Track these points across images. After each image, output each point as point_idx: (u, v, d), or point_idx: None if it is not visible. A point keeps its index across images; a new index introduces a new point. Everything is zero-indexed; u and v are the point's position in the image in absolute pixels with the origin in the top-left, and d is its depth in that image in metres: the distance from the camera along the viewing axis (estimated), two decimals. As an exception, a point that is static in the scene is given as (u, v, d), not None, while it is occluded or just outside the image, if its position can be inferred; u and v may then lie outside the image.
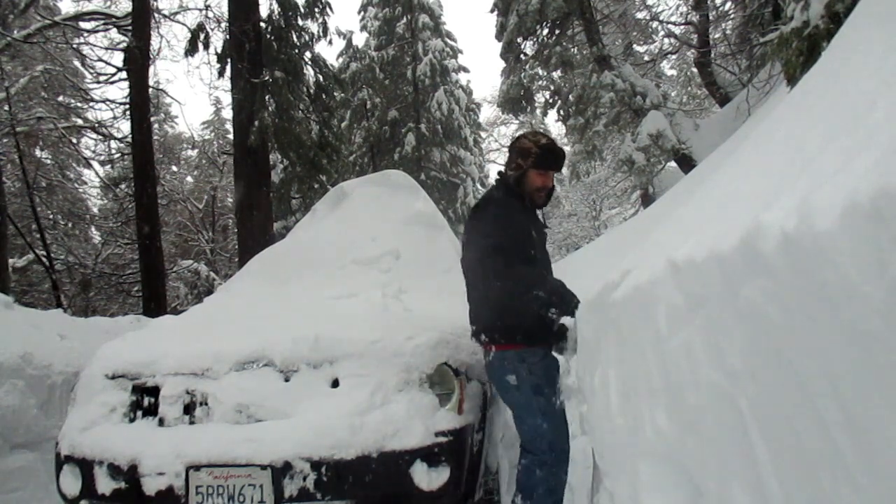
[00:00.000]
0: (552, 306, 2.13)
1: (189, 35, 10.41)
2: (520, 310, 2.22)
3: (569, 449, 2.30)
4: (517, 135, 2.56)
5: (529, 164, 2.37)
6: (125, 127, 13.31)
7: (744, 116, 6.90)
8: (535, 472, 2.25)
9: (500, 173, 2.50)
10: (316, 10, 10.70)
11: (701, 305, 0.99)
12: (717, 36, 10.53)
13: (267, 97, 9.75)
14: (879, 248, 0.59)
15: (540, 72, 11.89)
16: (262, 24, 10.05)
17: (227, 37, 10.05)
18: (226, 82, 10.38)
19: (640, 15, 12.18)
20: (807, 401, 0.72)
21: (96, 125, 13.90)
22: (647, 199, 10.92)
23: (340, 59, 19.06)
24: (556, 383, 2.33)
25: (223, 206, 20.27)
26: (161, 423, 2.39)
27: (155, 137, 13.59)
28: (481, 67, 55.57)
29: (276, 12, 10.34)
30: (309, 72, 10.73)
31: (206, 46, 10.40)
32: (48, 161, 16.11)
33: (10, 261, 11.71)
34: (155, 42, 11.52)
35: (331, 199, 4.76)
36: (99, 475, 2.31)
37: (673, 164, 9.40)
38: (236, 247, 12.38)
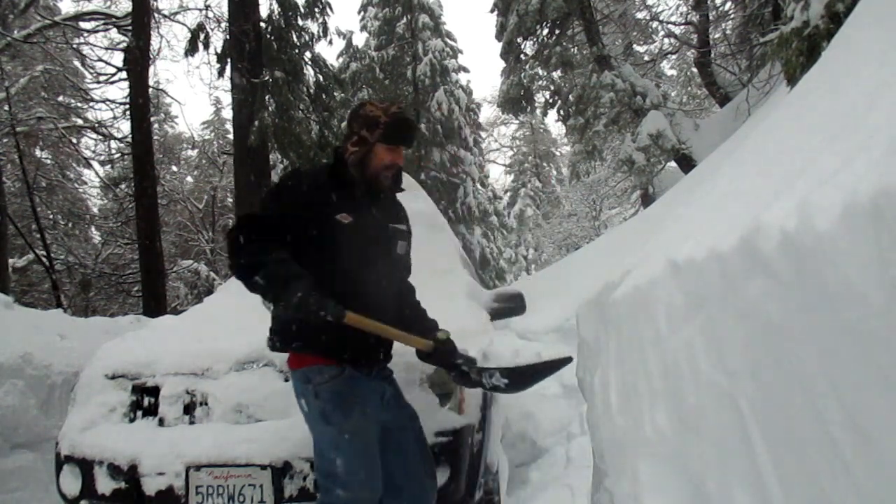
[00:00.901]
0: (269, 295, 1.80)
1: (189, 35, 10.41)
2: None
3: (373, 495, 1.87)
4: (358, 102, 2.12)
5: (377, 136, 1.96)
6: (125, 127, 13.32)
7: (744, 116, 6.90)
8: None
9: (337, 148, 2.08)
10: (316, 10, 10.70)
11: (701, 305, 0.99)
12: (717, 36, 10.54)
13: (267, 97, 9.74)
14: (879, 248, 0.59)
15: (540, 72, 11.90)
16: (262, 24, 10.05)
17: (227, 37, 10.05)
18: (226, 82, 10.39)
19: (640, 15, 12.19)
20: (807, 401, 0.72)
21: (96, 125, 13.91)
22: (647, 199, 10.92)
23: (340, 59, 19.05)
24: (355, 407, 1.90)
25: (223, 206, 20.27)
26: (161, 423, 2.39)
27: (155, 137, 13.59)
28: (481, 67, 55.64)
29: (276, 12, 10.33)
30: (309, 72, 10.72)
31: (206, 46, 10.41)
32: (48, 161, 16.11)
33: (10, 261, 11.72)
34: (155, 42, 11.54)
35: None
36: (99, 475, 2.32)
37: (673, 164, 9.40)
38: (236, 247, 12.34)
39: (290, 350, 1.99)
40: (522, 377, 2.12)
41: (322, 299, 1.72)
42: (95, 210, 19.52)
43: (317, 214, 1.90)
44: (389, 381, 2.09)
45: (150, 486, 2.22)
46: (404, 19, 19.47)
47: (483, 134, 25.46)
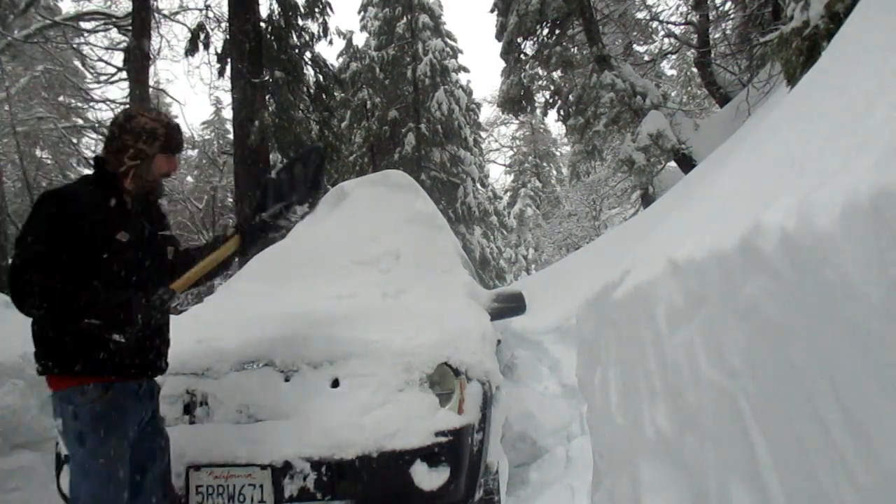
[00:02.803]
0: (113, 330, 1.74)
1: (189, 35, 10.42)
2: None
3: None
4: (124, 113, 1.99)
5: (157, 147, 1.93)
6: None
7: (744, 116, 6.90)
8: None
9: (99, 159, 1.97)
10: (316, 10, 10.70)
11: (701, 305, 0.99)
12: (717, 36, 10.53)
13: (267, 97, 9.75)
14: (879, 248, 0.59)
15: (540, 72, 11.89)
16: (262, 24, 10.05)
17: (227, 37, 10.06)
18: (226, 82, 10.40)
19: (640, 15, 12.19)
20: (807, 400, 0.72)
21: (96, 125, 13.92)
22: (647, 199, 10.91)
23: (340, 59, 19.05)
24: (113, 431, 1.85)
25: (223, 206, 20.26)
26: (161, 422, 2.39)
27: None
28: (481, 67, 55.57)
29: (276, 12, 10.34)
30: (309, 72, 10.73)
31: (206, 46, 10.41)
32: (48, 161, 16.11)
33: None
34: (155, 42, 11.53)
35: (331, 199, 4.76)
36: (99, 475, 2.31)
37: (673, 164, 9.40)
38: (236, 247, 12.36)
39: (68, 373, 1.84)
40: (298, 183, 2.32)
41: (155, 297, 1.81)
42: (95, 210, 19.49)
43: (95, 235, 1.83)
44: (153, 398, 2.05)
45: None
46: (404, 19, 19.46)
47: (483, 134, 25.45)
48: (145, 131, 1.93)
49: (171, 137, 1.98)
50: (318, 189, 2.40)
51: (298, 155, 2.48)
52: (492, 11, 11.54)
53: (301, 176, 2.38)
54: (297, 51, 10.46)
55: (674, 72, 17.14)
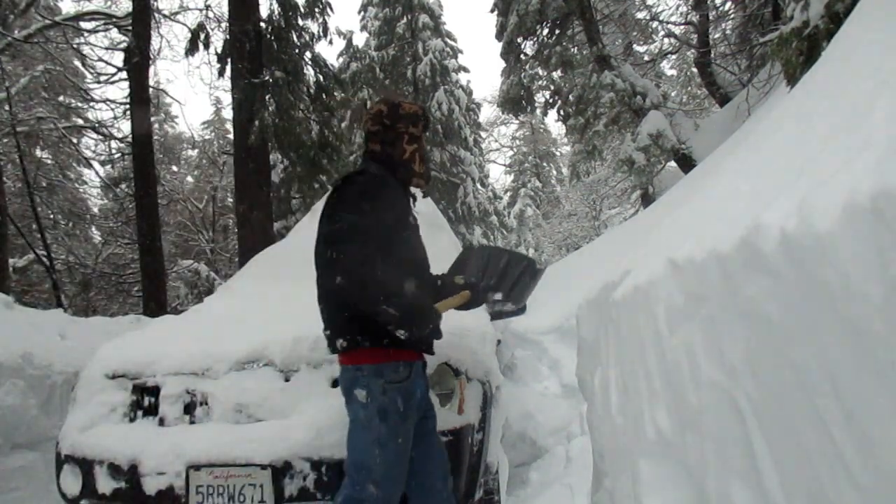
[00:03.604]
0: (402, 327, 1.77)
1: (189, 35, 10.41)
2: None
3: (398, 494, 1.89)
4: (387, 103, 2.04)
5: (422, 129, 2.01)
6: (125, 127, 13.33)
7: (744, 116, 6.90)
8: None
9: (370, 152, 2.04)
10: (316, 10, 10.69)
11: (701, 305, 0.99)
12: (717, 36, 10.53)
13: (267, 97, 9.74)
14: (879, 248, 0.59)
15: (540, 72, 11.89)
16: (262, 24, 10.04)
17: (228, 37, 10.04)
18: (226, 82, 10.38)
19: (640, 15, 12.18)
20: (807, 399, 0.72)
21: (96, 125, 13.91)
22: (647, 199, 10.91)
23: (340, 59, 19.03)
24: (408, 417, 1.90)
25: (223, 206, 20.26)
26: (161, 422, 2.39)
27: (155, 137, 13.59)
28: (481, 67, 55.56)
29: (276, 12, 10.33)
30: (309, 72, 10.72)
31: (207, 46, 10.40)
32: (48, 161, 16.10)
33: (11, 261, 11.71)
34: (155, 42, 11.55)
35: (331, 199, 4.75)
36: (99, 475, 2.32)
37: (673, 164, 9.40)
38: (236, 247, 12.38)
39: (379, 346, 1.87)
40: (513, 289, 2.39)
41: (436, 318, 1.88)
42: (96, 210, 19.52)
43: (402, 218, 1.96)
44: (424, 376, 2.07)
45: (151, 485, 2.22)
46: (404, 19, 19.47)
47: (483, 134, 25.45)
48: (412, 116, 2.01)
49: (427, 117, 2.07)
50: (524, 300, 2.51)
51: (521, 256, 2.60)
52: (492, 11, 11.54)
53: (515, 280, 2.45)
54: (297, 51, 10.45)
55: (674, 72, 17.14)
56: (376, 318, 1.77)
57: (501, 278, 2.46)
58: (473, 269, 2.45)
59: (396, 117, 2.00)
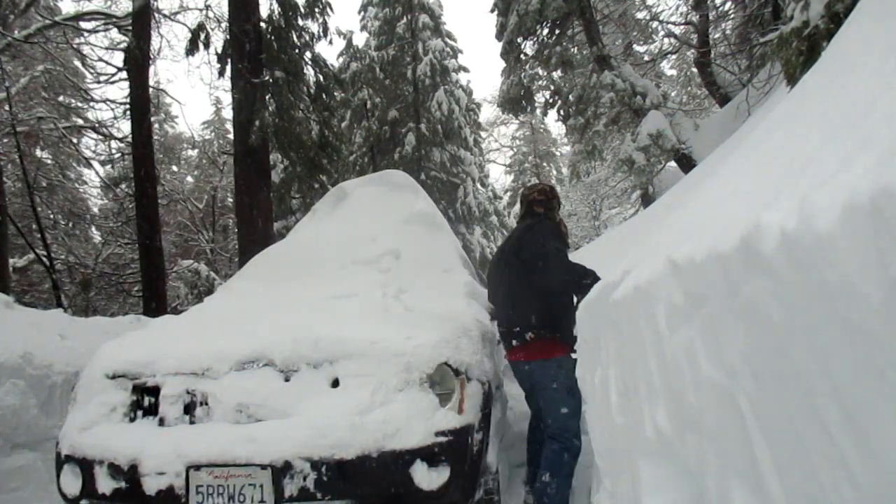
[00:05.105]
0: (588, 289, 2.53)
1: (189, 35, 10.41)
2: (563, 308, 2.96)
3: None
4: (550, 186, 3.41)
5: (558, 206, 3.34)
6: (125, 127, 13.35)
7: (744, 116, 6.90)
8: (563, 456, 2.79)
9: (535, 212, 3.23)
10: (316, 10, 10.69)
11: (701, 305, 0.99)
12: (717, 36, 10.54)
13: (267, 97, 9.74)
14: (879, 248, 0.59)
15: (540, 72, 11.89)
16: (263, 24, 10.04)
17: (228, 37, 10.04)
18: (226, 82, 10.38)
19: (640, 15, 12.19)
20: (807, 400, 0.72)
21: (96, 125, 13.92)
22: (647, 199, 10.91)
23: (340, 59, 19.04)
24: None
25: (223, 206, 20.27)
26: (161, 422, 2.39)
27: (155, 137, 13.59)
28: (481, 67, 55.58)
29: (276, 12, 10.33)
30: (309, 72, 10.72)
31: (207, 46, 10.40)
32: (48, 161, 16.10)
33: (11, 261, 11.71)
34: (155, 42, 11.54)
35: (331, 199, 4.76)
36: (99, 475, 2.32)
37: (673, 164, 9.40)
38: (236, 247, 12.38)
39: (564, 342, 2.90)
40: None
41: None
42: (96, 210, 19.52)
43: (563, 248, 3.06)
44: None
45: (151, 485, 2.22)
46: (404, 19, 19.46)
47: (483, 134, 25.45)
48: (558, 198, 3.34)
49: (559, 198, 3.40)
50: None
51: None
52: (492, 11, 11.53)
53: None
54: (297, 51, 10.45)
55: (674, 72, 17.15)
56: (581, 292, 2.70)
57: None
58: None
59: (554, 196, 3.32)
